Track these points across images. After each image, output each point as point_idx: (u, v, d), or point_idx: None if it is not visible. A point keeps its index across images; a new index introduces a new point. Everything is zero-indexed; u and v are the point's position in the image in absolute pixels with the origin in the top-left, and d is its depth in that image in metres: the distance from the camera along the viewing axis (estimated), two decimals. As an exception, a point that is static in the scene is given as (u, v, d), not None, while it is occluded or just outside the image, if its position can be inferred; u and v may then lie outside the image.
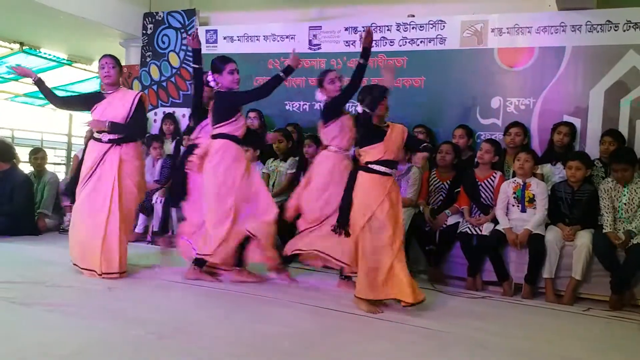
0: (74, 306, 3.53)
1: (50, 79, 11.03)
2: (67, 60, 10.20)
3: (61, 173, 10.60)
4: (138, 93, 4.56)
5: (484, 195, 4.93)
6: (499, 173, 4.98)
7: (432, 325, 3.52)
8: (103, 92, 4.61)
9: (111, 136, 4.42)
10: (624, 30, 5.30)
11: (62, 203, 6.68)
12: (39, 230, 6.24)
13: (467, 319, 3.75)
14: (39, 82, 4.55)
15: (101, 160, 4.40)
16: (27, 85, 11.50)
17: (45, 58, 9.96)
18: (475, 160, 5.16)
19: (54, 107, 4.74)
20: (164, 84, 7.43)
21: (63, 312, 3.39)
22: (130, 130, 4.47)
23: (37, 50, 9.58)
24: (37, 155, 6.77)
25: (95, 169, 4.40)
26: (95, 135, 4.48)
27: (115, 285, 4.15)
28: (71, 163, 7.41)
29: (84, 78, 11.38)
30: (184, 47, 7.31)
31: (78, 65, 10.41)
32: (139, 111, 4.49)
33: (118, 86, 4.58)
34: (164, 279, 4.45)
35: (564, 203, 4.68)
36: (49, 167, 7.28)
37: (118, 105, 4.45)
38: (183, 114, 7.15)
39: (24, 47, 9.28)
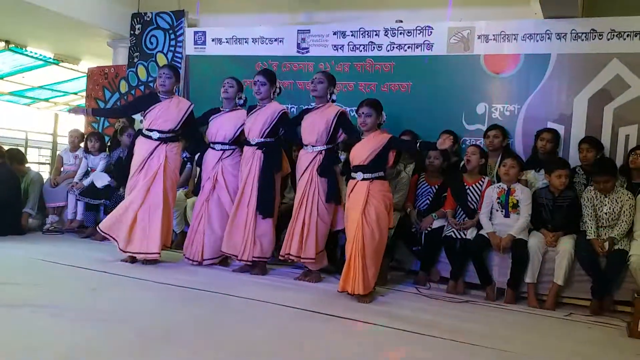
0: (60, 307, 3.51)
1: (37, 78, 11.01)
2: (54, 60, 10.13)
3: (45, 173, 10.52)
4: (190, 105, 5.22)
5: (471, 199, 4.98)
6: (487, 178, 5.04)
7: (415, 329, 3.55)
8: (159, 94, 5.20)
9: (161, 135, 5.06)
10: (608, 39, 5.37)
11: (46, 204, 6.64)
12: (23, 230, 6.19)
13: (451, 323, 3.79)
14: (95, 112, 5.32)
15: (151, 155, 5.03)
16: (12, 84, 11.43)
17: (32, 57, 9.89)
18: (462, 164, 5.22)
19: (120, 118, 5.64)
20: (152, 84, 7.40)
21: (49, 313, 3.37)
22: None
23: (23, 49, 9.51)
24: None
25: (144, 163, 5.03)
26: (145, 132, 5.10)
27: (100, 286, 4.15)
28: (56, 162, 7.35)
29: (71, 77, 11.32)
30: (172, 48, 7.30)
31: (65, 65, 10.35)
32: (192, 117, 5.21)
33: (172, 94, 5.20)
34: (148, 279, 4.45)
35: (545, 209, 4.74)
36: (33, 167, 7.24)
37: (173, 112, 5.11)
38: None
39: (9, 46, 9.20)
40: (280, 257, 4.82)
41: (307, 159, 4.77)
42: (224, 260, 5.22)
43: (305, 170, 4.75)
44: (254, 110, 5.03)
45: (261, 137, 4.93)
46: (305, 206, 4.67)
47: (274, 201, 4.92)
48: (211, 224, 5.15)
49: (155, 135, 5.06)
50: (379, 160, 4.33)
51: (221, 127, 5.20)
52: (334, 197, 4.68)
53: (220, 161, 5.19)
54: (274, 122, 4.92)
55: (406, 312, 3.99)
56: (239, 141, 5.20)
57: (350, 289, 4.13)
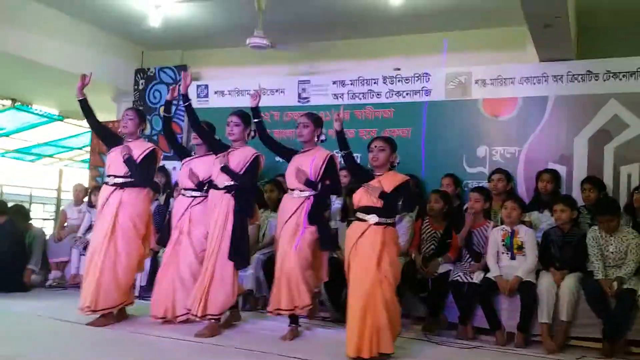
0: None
1: (42, 135, 11.16)
2: (59, 116, 10.28)
3: (49, 228, 10.51)
4: (152, 146, 4.92)
5: (476, 243, 4.95)
6: (492, 223, 5.02)
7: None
8: (124, 137, 4.95)
9: (117, 180, 4.73)
10: (604, 80, 5.45)
11: (49, 259, 6.61)
12: (26, 287, 6.15)
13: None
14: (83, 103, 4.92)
15: (106, 201, 4.72)
16: (17, 141, 11.58)
17: (37, 114, 10.05)
18: (465, 207, 5.21)
19: (88, 123, 5.15)
20: (155, 137, 7.48)
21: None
22: (136, 171, 4.74)
23: (29, 107, 9.66)
24: None
25: (101, 210, 4.74)
26: (105, 179, 4.89)
27: (103, 341, 4.09)
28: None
29: (76, 133, 11.47)
30: (175, 102, 7.39)
31: (69, 121, 10.50)
32: (148, 160, 4.82)
33: (137, 136, 4.94)
34: (151, 334, 4.38)
35: (555, 246, 4.71)
36: (38, 223, 7.24)
37: (133, 153, 4.77)
38: (174, 167, 7.16)
39: (15, 104, 9.36)
40: (269, 313, 4.46)
41: (294, 205, 4.43)
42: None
43: (291, 217, 4.41)
44: (224, 153, 4.65)
45: (231, 181, 4.57)
46: (293, 255, 4.32)
47: (248, 249, 4.67)
48: (181, 278, 4.72)
49: (112, 180, 4.76)
50: (394, 203, 3.99)
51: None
52: (329, 243, 4.47)
53: (190, 208, 4.84)
54: (246, 166, 4.58)
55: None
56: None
57: (368, 352, 3.70)
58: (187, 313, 4.59)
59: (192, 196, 4.88)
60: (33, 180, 12.79)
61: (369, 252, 3.83)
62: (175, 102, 7.28)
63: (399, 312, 3.95)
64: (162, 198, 6.48)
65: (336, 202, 5.64)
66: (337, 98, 6.51)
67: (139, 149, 4.81)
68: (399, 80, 6.27)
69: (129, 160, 4.70)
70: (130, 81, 7.81)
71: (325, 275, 4.59)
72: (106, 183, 4.85)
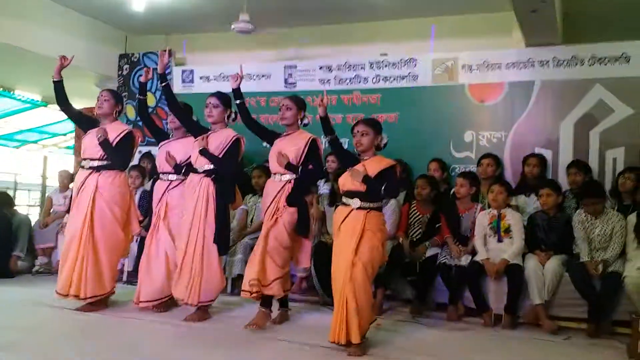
0: (48, 351, 3.44)
1: (24, 121, 11.02)
2: (42, 102, 10.16)
3: (35, 215, 10.42)
4: (128, 128, 4.82)
5: (464, 227, 5.00)
6: (479, 205, 5.07)
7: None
8: (100, 120, 4.80)
9: (92, 163, 4.61)
10: (590, 65, 5.48)
11: (35, 245, 6.57)
12: (12, 273, 6.11)
13: (452, 352, 3.77)
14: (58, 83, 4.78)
15: (82, 186, 4.60)
16: (0, 128, 11.43)
17: (20, 100, 9.92)
18: (452, 192, 5.25)
19: (60, 108, 4.97)
20: (140, 123, 7.40)
21: (36, 357, 3.30)
22: (112, 154, 4.61)
23: (11, 93, 9.53)
24: None
25: (77, 195, 4.62)
26: (81, 163, 4.71)
27: (90, 327, 4.08)
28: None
29: (59, 119, 11.34)
30: (159, 87, 7.34)
31: (53, 107, 10.37)
32: (124, 143, 4.68)
33: (113, 118, 4.79)
34: (140, 318, 4.38)
35: (541, 229, 4.76)
36: (23, 209, 7.18)
37: (109, 136, 4.63)
38: (159, 153, 7.13)
39: (-3, 89, 9.25)
40: (243, 291, 4.28)
41: (275, 189, 4.35)
42: (160, 305, 4.62)
43: (273, 200, 4.32)
44: (203, 136, 4.52)
45: (210, 164, 4.46)
46: (268, 236, 4.28)
47: (229, 235, 4.60)
48: (149, 262, 4.68)
49: (87, 164, 4.65)
50: (378, 188, 3.77)
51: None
52: (305, 228, 4.37)
53: (167, 192, 4.75)
54: (225, 149, 4.45)
55: (406, 342, 3.95)
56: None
57: (336, 337, 3.63)
58: (151, 300, 4.56)
59: (169, 180, 4.79)
60: (17, 166, 12.67)
61: (349, 237, 3.73)
62: (159, 87, 7.29)
63: (370, 299, 3.78)
64: (148, 184, 6.44)
65: (324, 187, 5.64)
66: (323, 83, 6.48)
67: (115, 131, 4.67)
68: (385, 66, 6.26)
69: (104, 143, 4.56)
70: (114, 66, 7.72)
71: (307, 261, 4.56)
72: (82, 167, 4.71)
